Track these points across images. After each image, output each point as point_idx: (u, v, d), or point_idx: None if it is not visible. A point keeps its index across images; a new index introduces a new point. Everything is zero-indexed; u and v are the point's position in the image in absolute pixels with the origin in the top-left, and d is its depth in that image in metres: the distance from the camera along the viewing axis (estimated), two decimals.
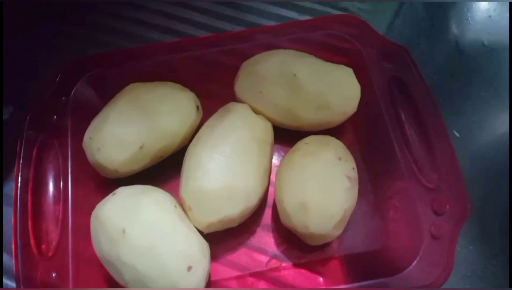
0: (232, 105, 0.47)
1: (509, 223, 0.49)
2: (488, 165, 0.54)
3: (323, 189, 0.41)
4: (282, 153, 0.47)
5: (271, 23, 0.62)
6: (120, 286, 0.41)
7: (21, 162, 0.45)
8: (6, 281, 0.46)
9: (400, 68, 0.49)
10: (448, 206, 0.43)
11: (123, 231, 0.39)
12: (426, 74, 0.58)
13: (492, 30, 0.61)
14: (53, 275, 0.41)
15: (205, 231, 0.43)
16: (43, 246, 0.42)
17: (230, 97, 0.49)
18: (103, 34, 0.61)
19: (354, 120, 0.50)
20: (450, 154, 0.44)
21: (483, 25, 0.62)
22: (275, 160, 0.50)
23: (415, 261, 0.41)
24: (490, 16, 0.62)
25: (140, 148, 0.44)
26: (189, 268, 0.39)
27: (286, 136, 0.49)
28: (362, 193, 0.46)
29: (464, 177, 0.43)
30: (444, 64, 0.61)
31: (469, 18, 0.63)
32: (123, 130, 0.44)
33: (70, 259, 0.42)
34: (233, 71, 0.50)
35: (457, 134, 0.56)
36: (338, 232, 0.43)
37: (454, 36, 0.62)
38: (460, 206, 0.42)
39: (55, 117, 0.48)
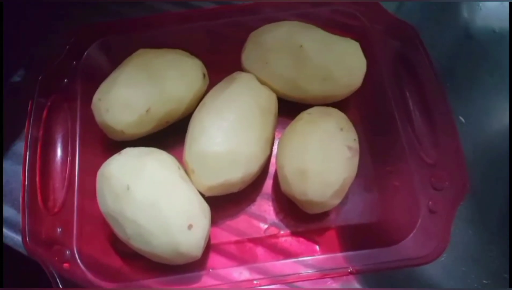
0: (237, 74, 0.48)
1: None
2: (492, 151, 0.54)
3: (324, 157, 0.42)
4: (285, 126, 0.47)
5: None
6: (122, 242, 0.42)
7: (31, 122, 0.46)
8: (13, 235, 0.47)
9: (407, 45, 0.49)
10: (447, 182, 0.43)
11: (127, 188, 0.40)
12: (433, 58, 0.58)
13: (504, 17, 0.61)
14: (58, 230, 0.43)
15: (207, 194, 0.44)
16: (50, 203, 0.44)
17: (237, 68, 0.50)
18: (115, 4, 0.62)
19: (358, 95, 0.50)
20: (452, 132, 0.44)
21: (495, 12, 0.62)
22: (279, 132, 0.50)
23: (411, 234, 0.42)
24: (502, 3, 0.62)
25: (147, 111, 0.45)
26: (190, 226, 0.40)
27: (291, 109, 0.49)
28: (362, 167, 0.46)
29: (468, 163, 0.43)
30: (452, 48, 0.61)
31: (480, 4, 0.62)
32: (131, 93, 0.45)
33: (75, 216, 0.43)
34: (239, 43, 0.51)
35: (463, 120, 0.56)
36: (337, 201, 0.43)
37: (465, 21, 0.62)
38: (459, 183, 0.43)
39: (65, 80, 0.49)
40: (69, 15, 0.62)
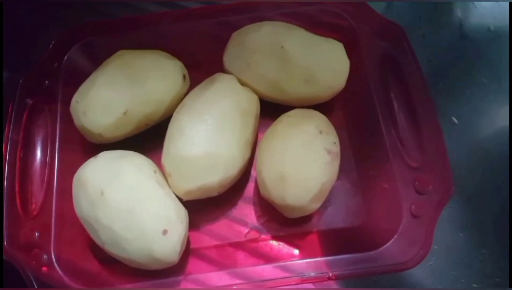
0: (218, 76, 0.47)
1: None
2: (486, 153, 0.53)
3: (302, 161, 0.41)
4: (268, 128, 0.47)
5: None
6: (100, 248, 0.41)
7: (11, 124, 0.46)
8: None
9: (394, 47, 0.48)
10: (431, 186, 0.42)
11: (102, 193, 0.39)
12: (426, 58, 0.57)
13: (499, 15, 0.60)
14: (36, 234, 0.42)
15: (184, 198, 0.43)
16: (28, 207, 0.44)
17: (219, 69, 0.49)
18: (99, 4, 0.62)
19: (342, 97, 0.49)
20: (436, 135, 0.44)
21: (490, 10, 0.61)
22: (261, 134, 0.50)
23: (393, 239, 0.41)
24: (497, 1, 0.61)
25: (124, 113, 0.45)
26: (165, 232, 0.39)
27: (273, 111, 0.48)
28: (345, 170, 0.46)
29: (459, 165, 0.43)
30: (445, 48, 0.60)
31: (475, 2, 0.61)
32: (109, 95, 0.45)
33: (53, 219, 0.43)
34: (223, 44, 0.50)
35: (456, 121, 0.55)
36: (316, 205, 0.43)
37: (458, 19, 0.61)
38: (443, 187, 0.42)
39: (47, 82, 0.49)
40: (52, 16, 0.61)
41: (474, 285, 0.49)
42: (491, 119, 0.55)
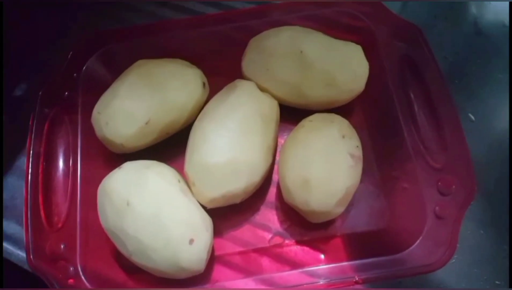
0: (238, 82, 0.47)
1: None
2: (503, 149, 0.53)
3: (326, 166, 0.41)
4: (288, 133, 0.47)
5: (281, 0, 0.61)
6: (126, 257, 0.42)
7: (33, 136, 0.46)
8: (18, 251, 0.47)
9: (412, 47, 0.48)
10: (454, 187, 0.42)
11: (128, 203, 0.39)
12: (443, 56, 0.57)
13: None
14: (62, 246, 0.43)
15: (208, 206, 0.43)
16: (53, 219, 0.44)
17: (238, 75, 0.50)
18: (116, 11, 0.62)
19: (362, 99, 0.49)
20: (458, 135, 0.43)
21: (504, 6, 0.61)
22: (281, 139, 0.50)
23: (418, 241, 0.41)
24: None
25: (147, 123, 0.45)
26: (191, 241, 0.39)
27: (293, 115, 0.48)
28: (367, 173, 0.46)
29: (477, 161, 0.42)
30: (461, 45, 0.59)
31: None
32: (130, 105, 0.45)
33: (78, 231, 0.43)
34: (241, 49, 0.50)
35: (473, 117, 0.55)
36: (340, 210, 0.43)
37: (473, 16, 0.61)
38: (466, 187, 0.42)
39: (66, 93, 0.49)
40: (67, 24, 0.62)
41: (497, 281, 0.49)
42: (507, 115, 0.55)
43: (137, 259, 0.40)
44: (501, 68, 0.57)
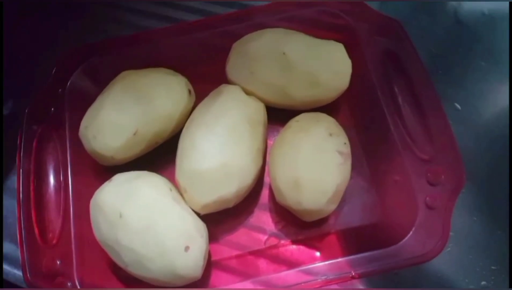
0: (223, 87, 0.47)
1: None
2: (491, 136, 0.53)
3: (315, 165, 0.41)
4: (276, 134, 0.47)
5: (263, 3, 0.61)
6: (122, 269, 0.42)
7: (22, 154, 0.46)
8: (14, 270, 0.47)
9: (393, 41, 0.49)
10: (443, 177, 0.42)
11: (120, 215, 0.40)
12: (426, 48, 0.57)
13: None
14: (58, 262, 0.42)
15: (202, 213, 0.43)
16: (47, 235, 0.44)
17: (223, 80, 0.50)
18: (102, 23, 0.62)
19: (347, 97, 0.50)
20: (444, 125, 0.44)
21: None
22: (270, 140, 0.50)
23: (411, 232, 0.41)
24: None
25: (134, 133, 0.45)
26: (187, 248, 0.40)
27: (280, 117, 0.49)
28: (357, 168, 0.46)
29: (466, 149, 0.43)
30: (443, 36, 0.60)
31: None
32: (117, 117, 0.45)
33: (73, 246, 0.43)
34: (224, 54, 0.50)
35: (459, 106, 0.55)
36: (333, 207, 0.43)
37: (453, 6, 0.61)
38: (455, 176, 0.42)
39: (52, 109, 0.49)
40: (49, 38, 0.61)
41: (492, 267, 0.49)
42: (493, 100, 0.56)
43: (133, 270, 0.40)
44: (483, 56, 0.57)
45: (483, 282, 0.49)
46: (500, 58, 0.57)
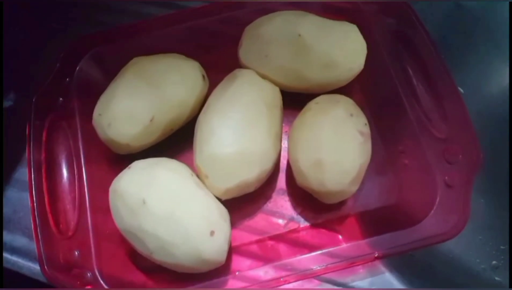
0: (238, 72, 0.47)
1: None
2: (495, 118, 0.54)
3: (337, 145, 0.41)
4: (292, 119, 0.47)
5: None
6: (142, 256, 0.41)
7: (31, 146, 0.45)
8: (29, 264, 0.46)
9: (402, 22, 0.49)
10: (460, 155, 0.43)
11: (144, 202, 0.39)
12: None
13: None
14: (76, 253, 0.42)
15: (223, 198, 0.43)
16: (63, 226, 0.43)
17: (234, 65, 0.49)
18: (101, 14, 0.60)
19: (361, 79, 0.49)
20: (459, 104, 0.44)
21: None
22: (285, 125, 0.49)
23: (432, 211, 0.41)
24: None
25: (151, 120, 0.44)
26: (212, 233, 0.39)
27: (296, 101, 0.48)
28: (374, 150, 0.46)
29: None
30: (443, 20, 0.60)
31: None
32: (132, 104, 0.44)
33: (90, 236, 0.43)
34: (234, 39, 0.50)
35: (461, 90, 0.55)
36: (355, 188, 0.43)
37: None
38: (473, 154, 0.42)
39: (61, 99, 0.48)
40: (55, 29, 0.60)
41: (502, 247, 0.50)
42: (496, 82, 0.56)
43: (158, 257, 0.39)
44: (483, 38, 0.58)
45: (494, 262, 0.50)
46: (500, 41, 0.57)
